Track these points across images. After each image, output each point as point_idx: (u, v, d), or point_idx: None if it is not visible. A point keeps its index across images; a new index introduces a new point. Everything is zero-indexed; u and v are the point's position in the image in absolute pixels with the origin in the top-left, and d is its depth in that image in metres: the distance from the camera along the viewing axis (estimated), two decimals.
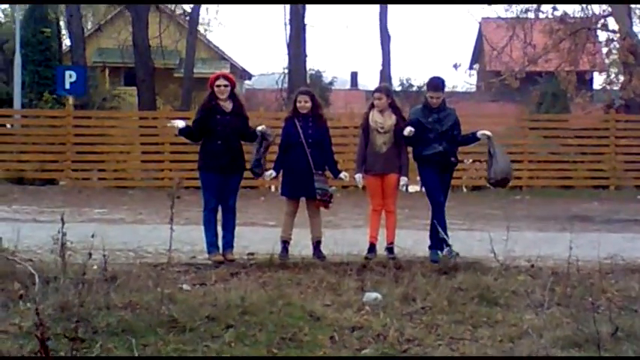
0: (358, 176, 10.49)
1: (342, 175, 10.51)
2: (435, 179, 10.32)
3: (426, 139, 10.19)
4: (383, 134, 10.31)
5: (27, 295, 7.33)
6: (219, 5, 40.97)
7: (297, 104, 10.40)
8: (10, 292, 7.63)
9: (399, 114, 10.49)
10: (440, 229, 9.93)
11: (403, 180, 10.42)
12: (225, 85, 10.16)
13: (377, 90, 10.80)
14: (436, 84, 10.41)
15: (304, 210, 10.43)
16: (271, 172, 10.40)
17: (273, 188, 20.09)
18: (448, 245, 10.10)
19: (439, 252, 10.17)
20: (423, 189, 11.05)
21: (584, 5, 26.39)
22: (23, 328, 6.48)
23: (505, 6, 28.05)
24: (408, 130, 10.11)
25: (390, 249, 10.36)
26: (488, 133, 10.42)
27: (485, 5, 29.87)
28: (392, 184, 10.41)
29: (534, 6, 26.38)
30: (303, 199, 10.40)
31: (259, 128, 10.29)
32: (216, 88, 10.16)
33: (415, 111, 10.56)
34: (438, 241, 10.23)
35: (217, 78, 10.25)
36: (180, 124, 10.31)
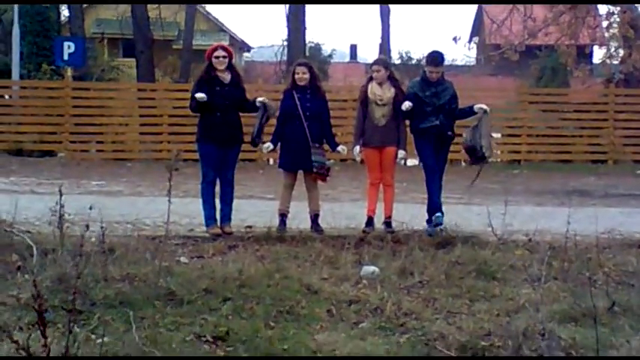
0: (356, 149, 10.45)
1: (340, 148, 10.50)
2: (430, 150, 10.32)
3: (423, 112, 10.18)
4: (382, 107, 10.29)
5: (25, 267, 7.34)
6: None
7: (295, 76, 10.37)
8: (8, 263, 7.65)
9: (397, 87, 10.46)
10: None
11: (401, 153, 10.41)
12: (224, 57, 10.11)
13: (375, 62, 10.76)
14: (435, 58, 10.37)
15: (302, 183, 10.43)
16: (268, 145, 10.37)
17: (271, 161, 20.06)
18: (440, 211, 10.19)
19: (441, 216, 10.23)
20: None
21: None
22: (21, 299, 6.47)
23: None
24: (406, 105, 10.10)
25: (387, 223, 10.35)
26: (485, 107, 10.40)
27: None
28: (390, 156, 10.39)
29: None
30: (301, 172, 10.39)
31: (260, 99, 10.25)
32: (214, 59, 10.10)
33: (413, 84, 10.54)
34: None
35: (215, 49, 10.20)
36: (201, 96, 9.90)
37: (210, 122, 10.02)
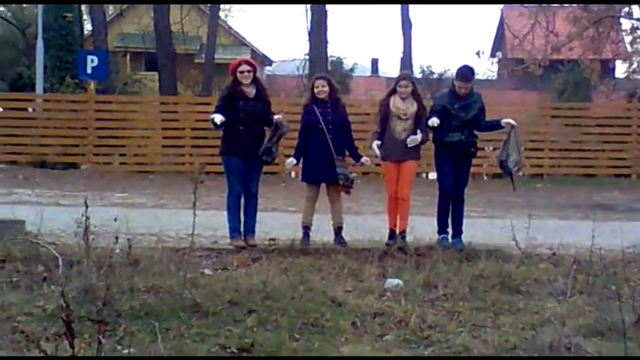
0: (376, 144, 10.29)
1: (364, 159, 10.46)
2: (448, 168, 10.30)
3: (449, 125, 10.15)
4: (404, 121, 10.23)
5: (51, 278, 7.42)
6: None
7: (315, 89, 10.37)
8: (34, 274, 7.72)
9: (420, 101, 10.42)
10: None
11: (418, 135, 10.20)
12: (249, 71, 10.15)
13: (403, 77, 10.60)
14: (466, 74, 10.28)
15: (324, 196, 10.43)
16: (292, 160, 10.39)
17: (293, 174, 20.10)
18: (446, 232, 10.29)
19: (447, 237, 10.31)
20: None
21: None
22: (47, 310, 6.55)
23: None
24: (433, 121, 10.05)
25: (403, 237, 10.31)
26: (512, 121, 10.36)
27: None
28: (409, 170, 10.34)
29: None
30: (323, 185, 10.39)
31: (275, 117, 10.27)
32: (239, 74, 10.15)
33: (442, 96, 10.52)
34: (445, 226, 10.39)
35: (240, 64, 10.25)
36: (219, 118, 10.04)
37: (234, 135, 10.07)
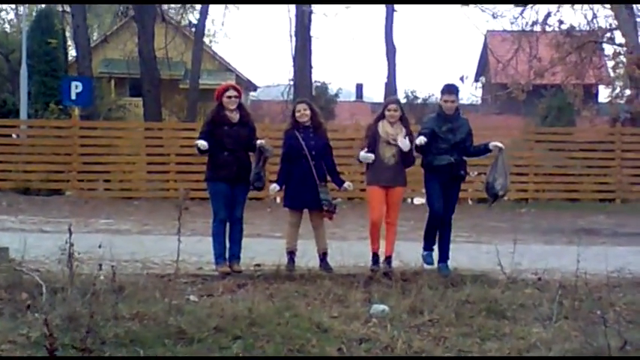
0: (369, 155, 10.18)
1: (346, 184, 10.44)
2: (438, 191, 10.25)
3: (438, 148, 10.13)
4: (392, 146, 10.19)
5: (34, 306, 7.37)
6: (225, 16, 41.18)
7: (296, 114, 10.36)
8: (17, 302, 7.67)
9: (407, 126, 10.41)
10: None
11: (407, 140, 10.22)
12: (236, 96, 10.17)
13: (392, 102, 10.58)
14: (450, 87, 10.36)
15: (308, 221, 10.40)
16: (275, 186, 10.32)
17: (278, 199, 20.04)
18: (431, 249, 10.33)
19: (432, 254, 10.34)
20: None
21: (589, 19, 26.40)
22: (31, 338, 6.50)
23: (511, 19, 28.04)
24: (420, 139, 10.03)
25: (388, 263, 10.27)
26: (500, 144, 10.35)
27: (491, 18, 29.84)
28: (397, 196, 10.34)
29: (540, 20, 26.35)
30: (306, 211, 10.36)
31: (258, 142, 10.24)
32: (226, 99, 10.13)
33: (429, 120, 10.50)
34: (431, 243, 10.39)
35: (227, 89, 10.24)
36: (203, 144, 10.06)
37: (218, 161, 10.05)
